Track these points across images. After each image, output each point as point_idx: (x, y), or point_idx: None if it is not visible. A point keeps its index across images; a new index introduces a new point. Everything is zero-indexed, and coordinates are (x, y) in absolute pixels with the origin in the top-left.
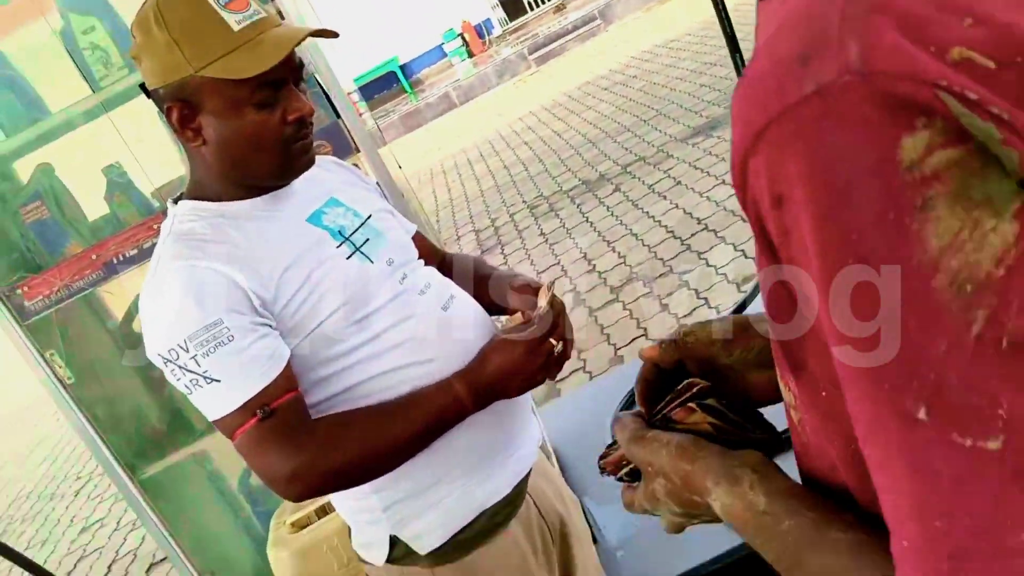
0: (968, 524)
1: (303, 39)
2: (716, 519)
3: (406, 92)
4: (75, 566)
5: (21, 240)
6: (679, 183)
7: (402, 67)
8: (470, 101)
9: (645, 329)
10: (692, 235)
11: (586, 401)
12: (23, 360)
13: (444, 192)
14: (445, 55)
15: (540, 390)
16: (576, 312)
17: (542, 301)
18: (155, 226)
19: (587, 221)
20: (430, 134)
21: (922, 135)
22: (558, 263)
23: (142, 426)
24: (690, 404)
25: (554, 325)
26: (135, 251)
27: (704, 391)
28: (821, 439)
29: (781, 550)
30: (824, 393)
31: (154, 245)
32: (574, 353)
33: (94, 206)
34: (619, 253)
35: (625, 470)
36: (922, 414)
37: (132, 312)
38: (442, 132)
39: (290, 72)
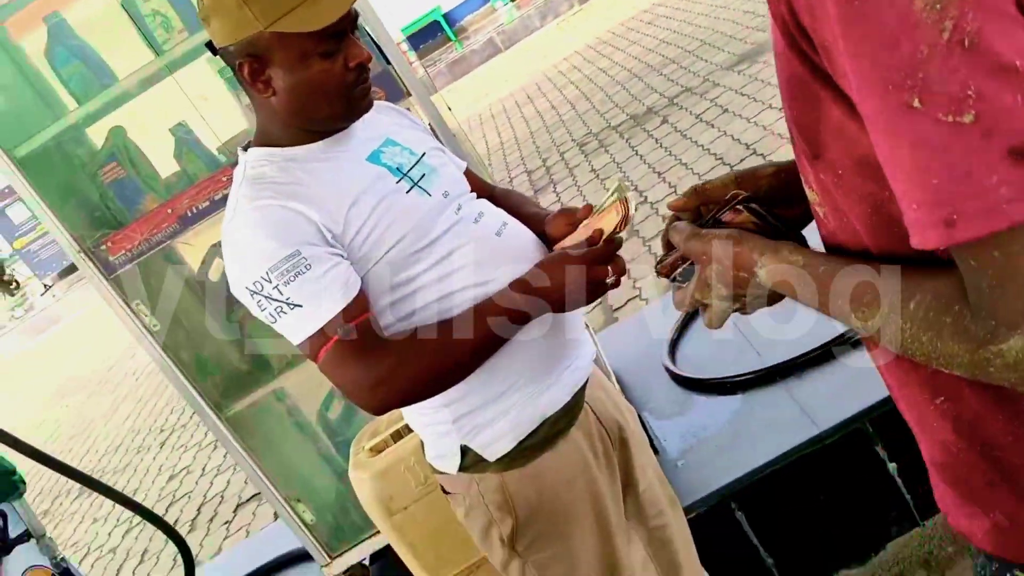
0: (957, 177)
1: None
2: (758, 297)
3: (451, 40)
4: (167, 510)
5: (101, 200)
6: (726, 111)
7: (445, 16)
8: (515, 45)
9: None
10: (741, 161)
11: (642, 326)
12: (112, 312)
13: (495, 136)
14: (487, 0)
15: (598, 317)
16: (630, 243)
17: (607, 223)
18: (223, 179)
19: (636, 155)
20: (477, 81)
21: None
22: None
23: (225, 367)
24: (737, 207)
25: (611, 253)
26: (207, 203)
27: (747, 199)
28: (842, 219)
29: (817, 287)
30: (840, 171)
31: (224, 196)
32: (630, 282)
33: (165, 164)
34: (669, 183)
35: (679, 271)
36: (916, 103)
37: (208, 259)
38: (489, 78)
39: (348, 22)
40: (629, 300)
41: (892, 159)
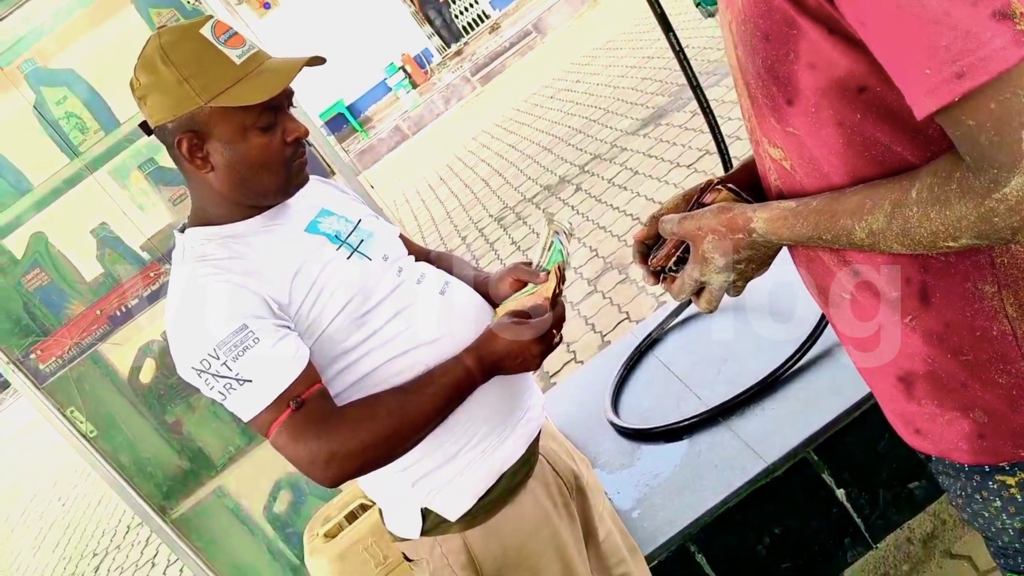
0: (960, 36)
1: (302, 67)
2: (753, 260)
3: (357, 131)
4: None
5: (26, 308)
6: (636, 173)
7: (348, 107)
8: (422, 130)
9: (627, 313)
10: None
11: (581, 384)
12: (45, 420)
13: (411, 220)
14: (390, 89)
15: (536, 383)
16: None
17: (549, 285)
18: (151, 274)
19: None
20: (388, 167)
21: None
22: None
23: (165, 468)
24: (716, 186)
25: (560, 316)
26: (136, 301)
27: (721, 180)
28: (812, 166)
29: (817, 218)
30: (814, 109)
31: (153, 291)
32: (564, 346)
33: (89, 266)
34: (590, 247)
35: (673, 260)
36: None
37: (139, 361)
38: (400, 163)
39: (285, 97)
40: (565, 364)
41: (902, 39)
